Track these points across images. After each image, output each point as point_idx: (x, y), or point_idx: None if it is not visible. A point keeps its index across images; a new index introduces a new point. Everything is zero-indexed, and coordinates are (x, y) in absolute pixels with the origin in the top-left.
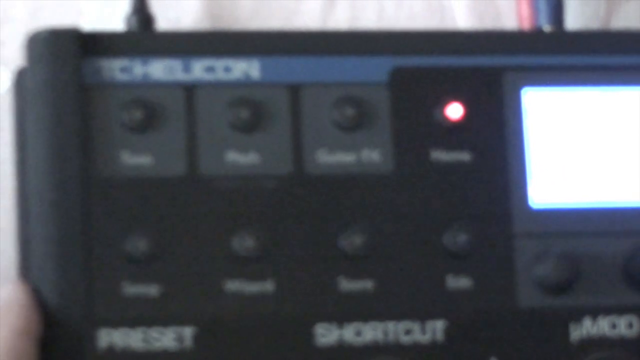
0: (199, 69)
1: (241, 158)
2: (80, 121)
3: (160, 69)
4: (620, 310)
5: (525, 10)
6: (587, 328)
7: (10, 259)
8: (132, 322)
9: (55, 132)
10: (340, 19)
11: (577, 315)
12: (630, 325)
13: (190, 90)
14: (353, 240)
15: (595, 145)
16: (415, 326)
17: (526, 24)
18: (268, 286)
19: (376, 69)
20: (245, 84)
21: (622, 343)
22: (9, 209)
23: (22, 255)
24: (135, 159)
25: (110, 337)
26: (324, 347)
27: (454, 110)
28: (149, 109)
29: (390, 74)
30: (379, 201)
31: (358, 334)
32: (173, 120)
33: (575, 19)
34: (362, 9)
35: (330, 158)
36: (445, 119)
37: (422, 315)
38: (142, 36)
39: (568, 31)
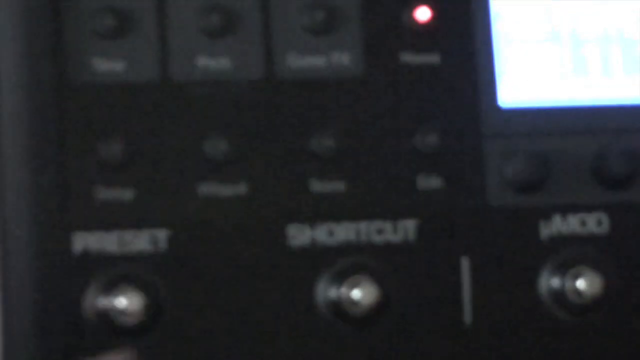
0: None
1: (212, 63)
2: (52, 29)
3: None
4: (590, 208)
5: None
6: (557, 225)
7: None
8: (107, 226)
9: (27, 40)
10: None
11: (547, 213)
12: (600, 223)
13: None
14: (324, 142)
15: (562, 46)
16: (387, 226)
17: None
18: (241, 188)
19: None
20: None
21: (592, 240)
22: None
23: None
24: (108, 65)
25: (85, 241)
26: (297, 247)
27: (422, 13)
28: (120, 16)
29: None
30: (350, 103)
31: (330, 234)
32: (144, 27)
33: None
34: None
35: (301, 61)
36: (414, 22)
37: (394, 215)
38: None
39: None
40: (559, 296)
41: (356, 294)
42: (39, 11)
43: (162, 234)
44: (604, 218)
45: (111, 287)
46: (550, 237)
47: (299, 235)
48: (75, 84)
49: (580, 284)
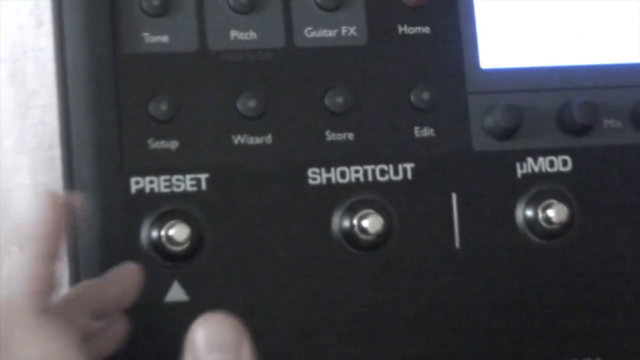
0: None
1: (242, 35)
2: (110, 8)
3: None
4: (557, 151)
5: None
6: (530, 166)
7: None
8: (157, 171)
9: (89, 18)
10: None
11: (521, 156)
12: (565, 163)
13: None
14: (336, 100)
15: (533, 14)
16: (389, 168)
17: None
18: (268, 139)
19: None
20: None
21: (558, 177)
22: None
23: (63, 123)
24: (155, 39)
25: (139, 184)
26: (315, 186)
27: None
28: None
29: None
30: (357, 68)
31: (343, 175)
32: (185, 6)
33: None
34: None
35: (316, 34)
36: (409, 1)
37: (395, 159)
38: None
39: None
40: (532, 224)
41: (365, 223)
42: None
43: (203, 177)
44: (568, 159)
45: (162, 221)
46: (525, 175)
47: (317, 176)
48: (129, 54)
49: (550, 213)
